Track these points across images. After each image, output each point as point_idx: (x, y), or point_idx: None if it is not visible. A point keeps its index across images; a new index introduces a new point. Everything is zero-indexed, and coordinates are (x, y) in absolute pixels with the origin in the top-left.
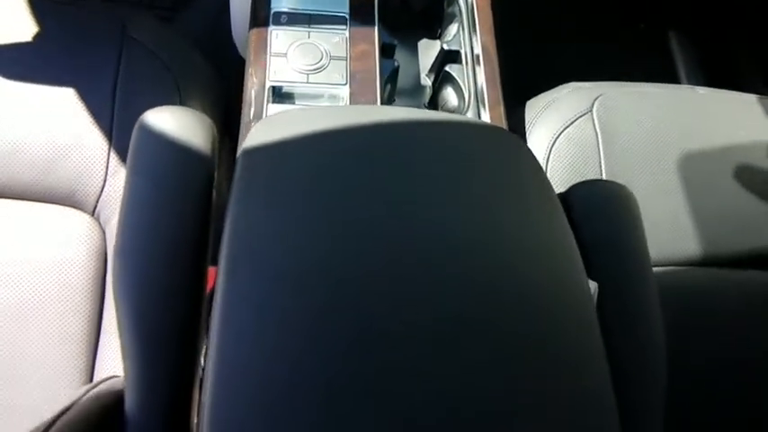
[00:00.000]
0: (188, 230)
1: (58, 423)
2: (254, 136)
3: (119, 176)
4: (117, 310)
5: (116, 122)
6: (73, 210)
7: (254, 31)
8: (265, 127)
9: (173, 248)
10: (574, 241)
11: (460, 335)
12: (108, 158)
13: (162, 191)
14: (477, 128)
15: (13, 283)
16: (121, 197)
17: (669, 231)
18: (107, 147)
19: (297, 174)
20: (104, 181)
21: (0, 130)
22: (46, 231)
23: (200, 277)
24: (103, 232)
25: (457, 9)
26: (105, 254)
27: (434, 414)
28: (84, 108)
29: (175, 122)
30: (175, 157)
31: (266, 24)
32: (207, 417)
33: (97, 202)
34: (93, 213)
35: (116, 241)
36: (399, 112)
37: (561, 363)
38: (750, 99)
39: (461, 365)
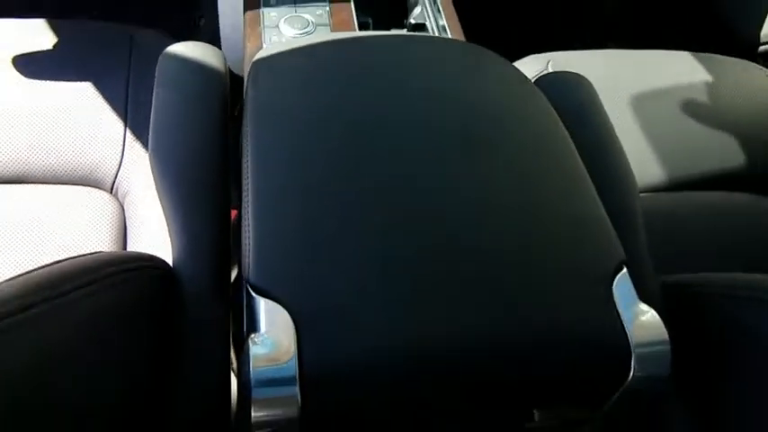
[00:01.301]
0: (211, 118)
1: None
2: (262, 53)
3: (133, 157)
4: (159, 192)
5: (129, 114)
6: (94, 189)
7: (249, 13)
8: (271, 48)
9: (200, 137)
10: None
11: (461, 147)
12: (123, 144)
13: (185, 96)
14: (457, 42)
15: (44, 256)
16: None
17: (632, 164)
18: (122, 134)
19: (306, 68)
20: (120, 163)
21: (26, 125)
22: (71, 208)
23: (224, 154)
24: (121, 206)
25: None
26: (125, 224)
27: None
28: (100, 103)
29: (193, 49)
30: (195, 71)
31: (258, 6)
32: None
33: (114, 180)
34: (111, 191)
35: (150, 142)
36: (390, 35)
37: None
38: (685, 54)
39: (465, 170)
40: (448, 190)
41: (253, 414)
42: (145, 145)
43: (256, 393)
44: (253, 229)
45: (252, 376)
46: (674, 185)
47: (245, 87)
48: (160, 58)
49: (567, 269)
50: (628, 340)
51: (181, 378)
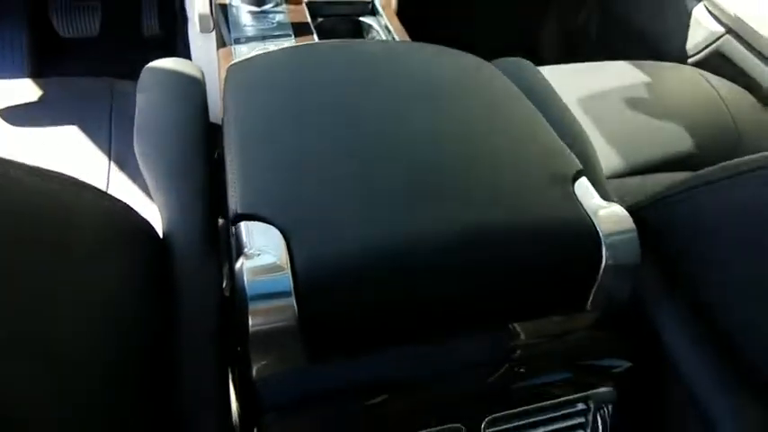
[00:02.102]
0: (191, 107)
1: None
2: (236, 65)
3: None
4: (145, 172)
5: (112, 159)
6: None
7: (222, 50)
8: (245, 61)
9: (182, 120)
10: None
11: (432, 97)
12: (107, 189)
13: (165, 92)
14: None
15: None
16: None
17: None
18: (105, 181)
19: (278, 61)
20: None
21: None
22: None
23: (205, 140)
24: None
25: (374, 32)
26: None
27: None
28: (83, 151)
29: (171, 61)
30: (175, 75)
31: (230, 44)
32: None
33: None
34: None
35: (135, 130)
36: (359, 42)
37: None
38: (631, 63)
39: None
40: (417, 120)
41: (251, 327)
42: (128, 193)
43: (253, 305)
44: (237, 167)
45: (248, 289)
46: (627, 172)
47: (222, 91)
48: (142, 71)
49: (533, 175)
50: (596, 229)
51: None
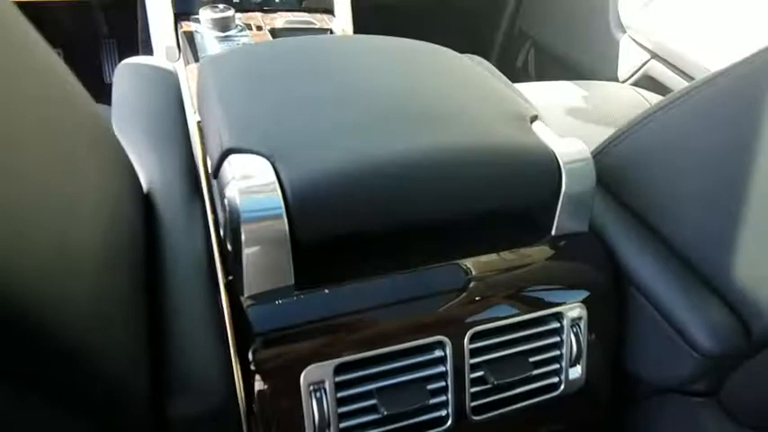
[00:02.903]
0: (167, 86)
1: None
2: (209, 57)
3: None
4: (124, 141)
5: None
6: None
7: (189, 67)
8: (217, 54)
9: (158, 97)
10: None
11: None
12: None
13: (141, 78)
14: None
15: None
16: None
17: None
18: None
19: (254, 54)
20: None
21: None
22: None
23: (180, 110)
24: None
25: None
26: None
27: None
28: None
29: (145, 57)
30: (150, 66)
31: (197, 61)
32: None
33: None
34: None
35: (112, 108)
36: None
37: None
38: (574, 82)
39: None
40: (390, 76)
41: (244, 244)
42: None
43: (246, 223)
44: (221, 114)
45: (240, 207)
46: None
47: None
48: (118, 67)
49: (497, 113)
50: (555, 156)
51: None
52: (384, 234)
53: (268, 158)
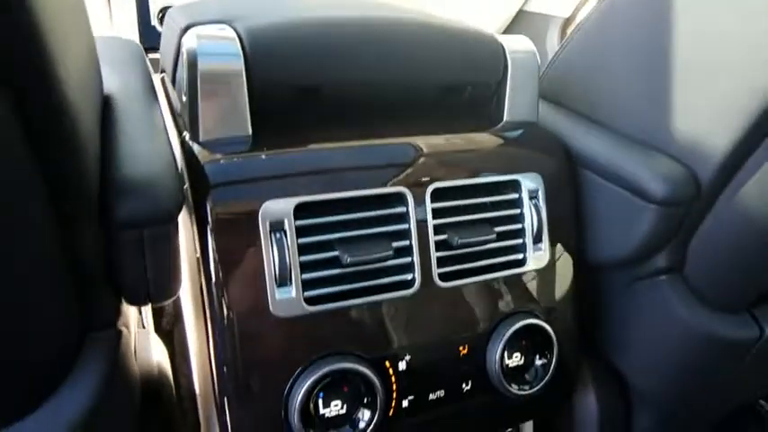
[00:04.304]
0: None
1: None
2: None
3: None
4: None
5: None
6: None
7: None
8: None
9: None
10: None
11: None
12: None
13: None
14: None
15: None
16: None
17: None
18: None
19: None
20: None
21: None
22: None
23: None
24: None
25: None
26: None
27: None
28: None
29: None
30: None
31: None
32: None
33: None
34: None
35: None
36: None
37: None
38: None
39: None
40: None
41: (200, 85)
42: None
43: (204, 63)
44: (180, 16)
45: (198, 51)
46: None
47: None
48: None
49: (448, 20)
50: (502, 45)
51: None
52: (338, 97)
53: (225, 22)
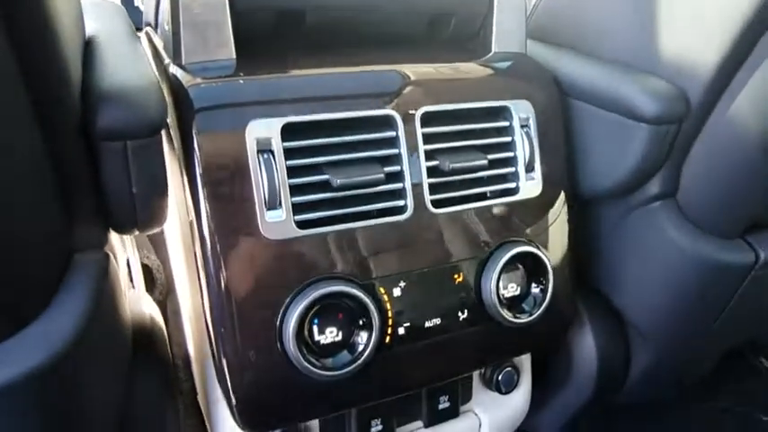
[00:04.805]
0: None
1: None
2: None
3: None
4: None
5: None
6: None
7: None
8: None
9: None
10: None
11: None
12: None
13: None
14: None
15: None
16: None
17: None
18: None
19: None
20: None
21: None
22: None
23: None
24: None
25: None
26: None
27: None
28: None
29: None
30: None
31: None
32: None
33: None
34: None
35: None
36: None
37: None
38: None
39: None
40: None
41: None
42: None
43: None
44: None
45: None
46: None
47: None
48: None
49: None
50: None
51: None
52: (323, 24)
53: None
